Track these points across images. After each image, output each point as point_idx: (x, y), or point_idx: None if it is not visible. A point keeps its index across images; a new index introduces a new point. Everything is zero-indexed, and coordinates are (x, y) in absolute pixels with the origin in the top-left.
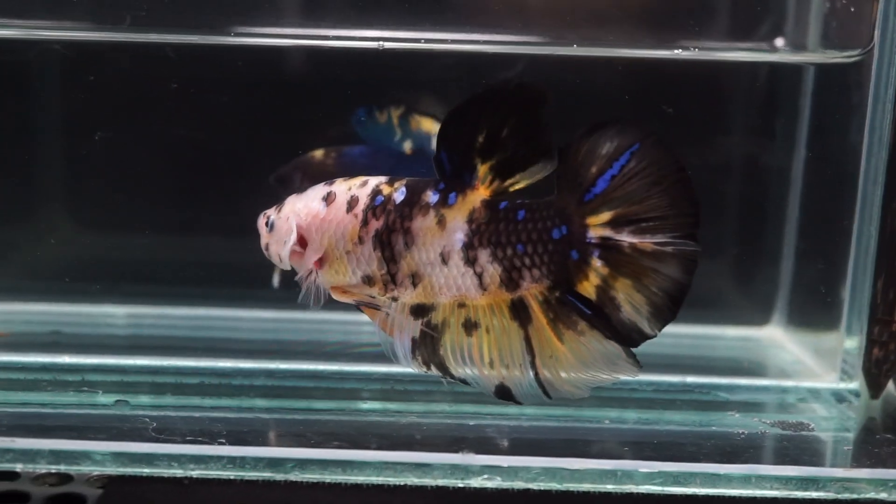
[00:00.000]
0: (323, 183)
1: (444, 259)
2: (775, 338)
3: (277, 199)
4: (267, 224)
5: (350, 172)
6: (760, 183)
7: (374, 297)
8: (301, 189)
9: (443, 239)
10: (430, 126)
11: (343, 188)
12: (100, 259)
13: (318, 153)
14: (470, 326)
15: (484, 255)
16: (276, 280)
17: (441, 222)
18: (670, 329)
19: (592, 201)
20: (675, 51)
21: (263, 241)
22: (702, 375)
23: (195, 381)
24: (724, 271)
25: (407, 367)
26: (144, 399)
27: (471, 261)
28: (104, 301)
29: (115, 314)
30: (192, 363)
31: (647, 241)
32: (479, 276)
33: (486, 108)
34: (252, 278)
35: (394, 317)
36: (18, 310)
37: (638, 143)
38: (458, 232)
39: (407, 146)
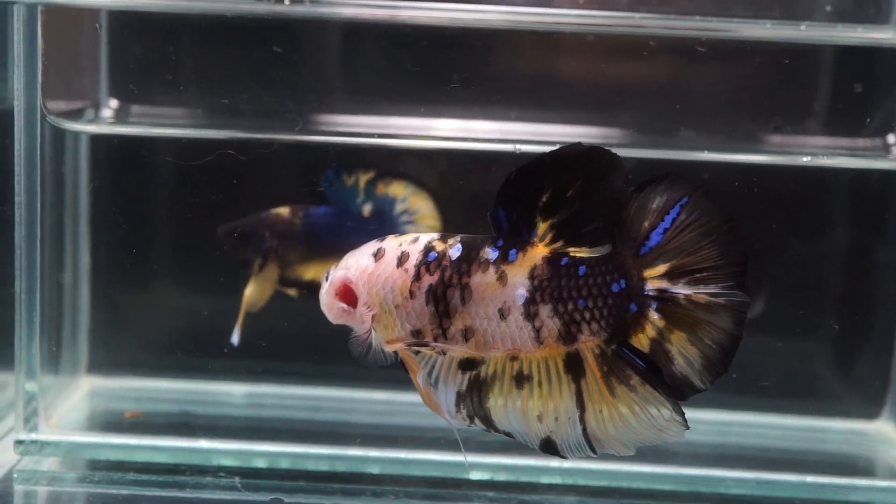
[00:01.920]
0: (375, 239)
1: (503, 315)
2: (885, 433)
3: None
4: (326, 277)
5: (316, 231)
6: (873, 276)
7: (427, 344)
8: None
9: (503, 295)
10: (400, 190)
11: (393, 244)
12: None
13: (284, 211)
14: (521, 379)
15: (545, 311)
16: (235, 338)
17: (502, 278)
18: (776, 420)
19: (648, 254)
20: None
21: (322, 293)
22: (809, 473)
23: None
24: (834, 363)
25: (449, 421)
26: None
27: (531, 316)
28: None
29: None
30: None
31: (701, 293)
32: (538, 331)
33: (554, 167)
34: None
35: (439, 371)
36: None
37: (687, 197)
38: (519, 288)
39: (366, 209)
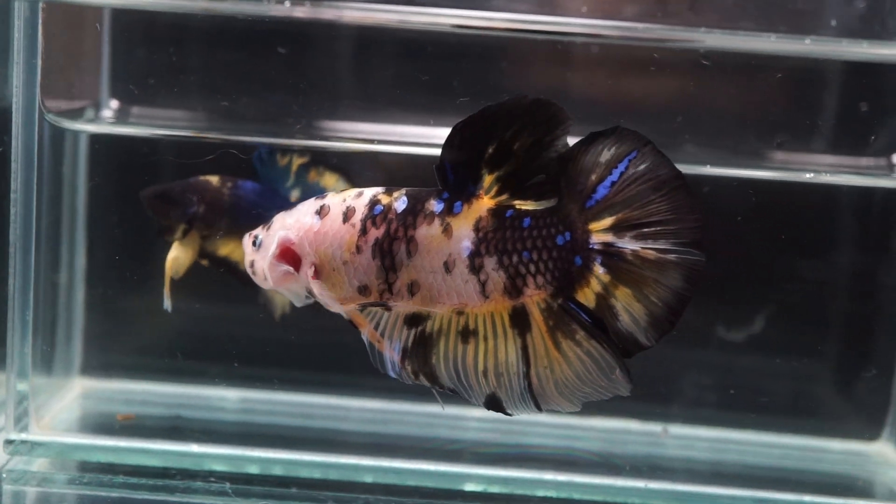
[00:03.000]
0: (314, 197)
1: (448, 267)
2: (884, 454)
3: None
4: (254, 243)
5: (241, 205)
6: (875, 296)
7: (383, 304)
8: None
9: (449, 247)
10: (331, 181)
11: (337, 200)
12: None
13: (214, 179)
14: (467, 334)
15: (490, 263)
16: (167, 304)
17: (447, 230)
18: (776, 439)
19: (594, 207)
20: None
21: (248, 258)
22: (807, 493)
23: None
24: (834, 383)
25: (394, 376)
26: None
27: (476, 268)
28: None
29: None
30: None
31: (649, 248)
32: (483, 284)
33: (499, 120)
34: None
35: (384, 326)
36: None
37: (636, 151)
38: (465, 240)
39: (294, 194)
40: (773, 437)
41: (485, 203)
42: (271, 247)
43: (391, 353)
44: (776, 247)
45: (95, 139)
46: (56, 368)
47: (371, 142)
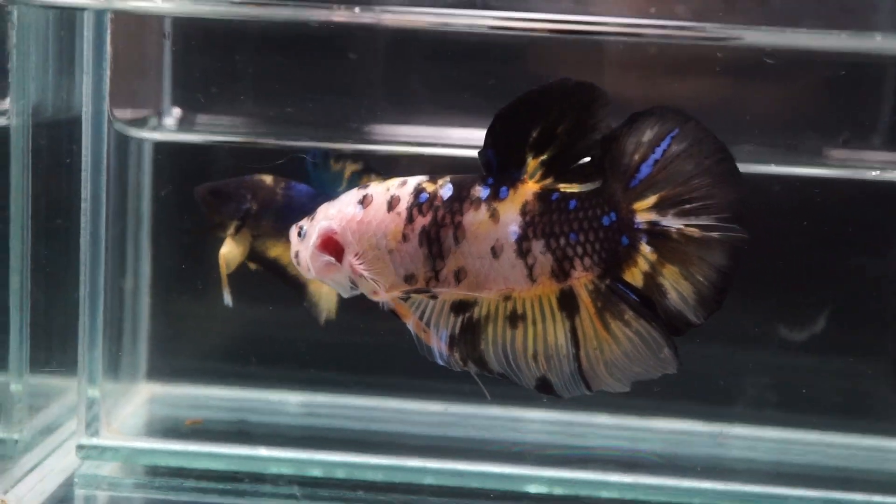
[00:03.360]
0: (356, 188)
1: (496, 253)
2: None
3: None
4: (299, 233)
5: (293, 206)
6: None
7: (426, 291)
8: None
9: (496, 232)
10: None
11: (380, 189)
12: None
13: (268, 179)
14: (515, 319)
15: (538, 247)
16: (227, 299)
17: (494, 216)
18: (840, 440)
19: (638, 186)
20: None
21: (293, 249)
22: (876, 493)
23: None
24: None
25: (441, 364)
26: None
27: (524, 253)
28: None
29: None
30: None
31: (692, 225)
32: (531, 268)
33: (541, 103)
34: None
35: (430, 314)
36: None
37: (678, 128)
38: (511, 224)
39: None
40: (837, 437)
41: (530, 187)
42: (313, 236)
43: (437, 343)
44: (835, 244)
45: (158, 147)
46: (123, 374)
47: (423, 145)
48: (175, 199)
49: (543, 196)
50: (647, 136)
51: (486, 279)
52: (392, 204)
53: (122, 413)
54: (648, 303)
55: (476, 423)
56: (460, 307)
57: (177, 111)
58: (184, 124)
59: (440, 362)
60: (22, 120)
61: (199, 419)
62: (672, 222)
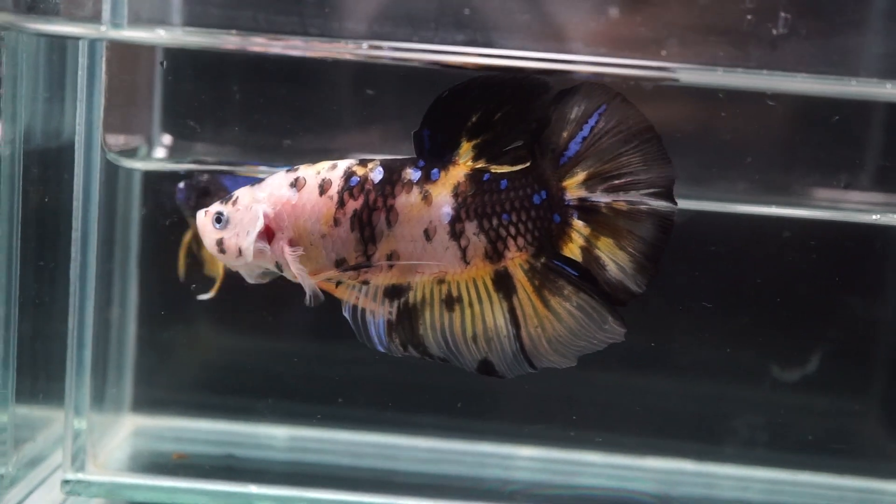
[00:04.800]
0: (283, 170)
1: (429, 235)
2: None
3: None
4: (219, 220)
5: None
6: None
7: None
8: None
9: (429, 214)
10: None
11: (311, 172)
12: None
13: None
14: (451, 302)
15: (471, 228)
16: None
17: (426, 198)
18: (832, 481)
19: (566, 164)
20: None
21: (212, 237)
22: None
23: None
24: (893, 424)
25: (381, 350)
26: None
27: (457, 234)
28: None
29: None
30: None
31: (621, 201)
32: (464, 250)
33: (484, 91)
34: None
35: (364, 301)
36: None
37: (605, 105)
38: (444, 206)
39: None
40: (828, 478)
41: (461, 168)
42: (253, 222)
43: (373, 330)
44: (827, 286)
45: (148, 175)
46: (107, 405)
47: None
48: (162, 228)
49: (475, 177)
50: (575, 113)
51: (418, 262)
52: (324, 187)
53: (107, 446)
54: (588, 276)
55: (466, 459)
56: (394, 292)
57: (167, 139)
58: (174, 152)
59: (380, 348)
60: (12, 148)
61: (185, 454)
62: (601, 198)
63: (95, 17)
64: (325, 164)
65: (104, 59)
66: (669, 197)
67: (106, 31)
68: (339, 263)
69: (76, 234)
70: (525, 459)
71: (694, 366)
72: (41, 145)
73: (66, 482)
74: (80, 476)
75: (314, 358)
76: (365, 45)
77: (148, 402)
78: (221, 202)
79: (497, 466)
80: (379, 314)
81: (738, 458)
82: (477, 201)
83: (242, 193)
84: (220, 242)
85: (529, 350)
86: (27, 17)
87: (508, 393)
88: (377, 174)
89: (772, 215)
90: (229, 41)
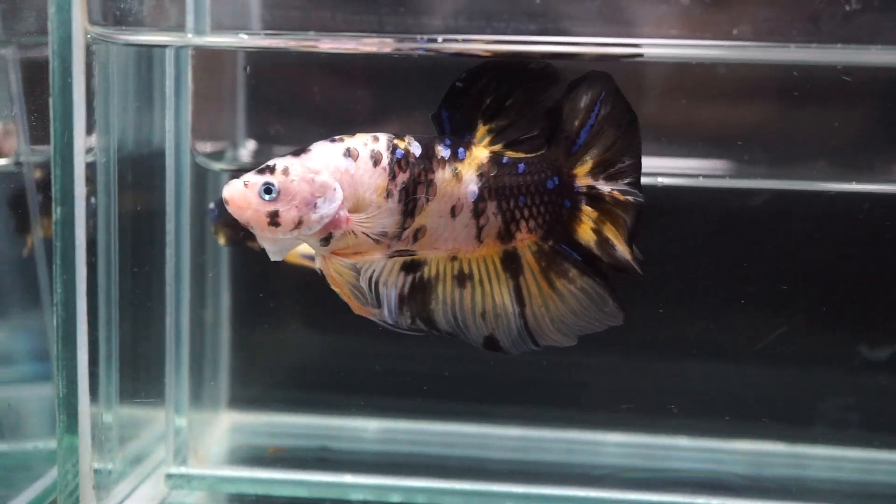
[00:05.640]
0: (322, 141)
1: (455, 212)
2: None
3: None
4: (268, 191)
5: None
6: None
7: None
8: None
9: (459, 191)
10: None
11: (358, 143)
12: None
13: None
14: (463, 279)
15: (491, 207)
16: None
17: (457, 175)
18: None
19: (578, 152)
20: None
21: (262, 209)
22: None
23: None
24: None
25: (389, 321)
26: None
27: (478, 213)
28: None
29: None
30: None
31: (616, 189)
32: (480, 229)
33: (500, 74)
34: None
35: (380, 273)
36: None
37: (603, 91)
38: (471, 184)
39: None
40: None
41: (481, 150)
42: (321, 192)
43: (385, 302)
44: None
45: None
46: (205, 403)
47: None
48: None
49: (495, 159)
50: (584, 101)
51: (438, 238)
52: (376, 159)
53: (206, 442)
54: (592, 261)
55: (555, 446)
56: (410, 267)
57: (251, 143)
58: (258, 156)
59: (389, 321)
60: (107, 157)
61: (281, 448)
62: (604, 186)
63: (180, 27)
64: (367, 136)
65: (190, 66)
66: (639, 186)
67: (191, 38)
68: (382, 235)
69: (169, 238)
70: (613, 445)
71: (782, 347)
72: (134, 152)
73: (169, 476)
74: (183, 470)
75: (403, 353)
76: (440, 38)
77: (244, 398)
78: (260, 172)
79: (586, 452)
80: (391, 287)
81: (830, 438)
82: (498, 182)
83: (289, 163)
84: (273, 215)
85: (533, 327)
86: (117, 29)
87: (595, 381)
88: (416, 148)
89: (854, 191)
90: (308, 42)
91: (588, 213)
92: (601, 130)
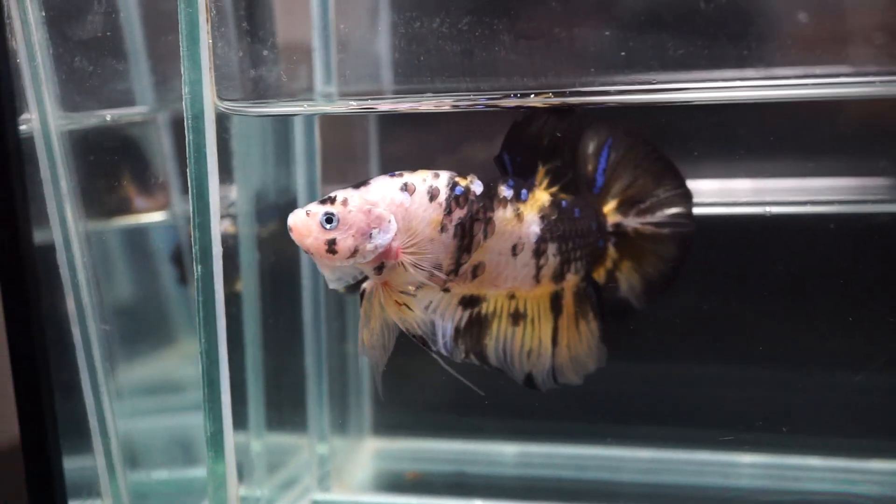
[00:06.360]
0: (383, 176)
1: (516, 251)
2: None
3: None
4: (329, 220)
5: None
6: None
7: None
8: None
9: (520, 231)
10: None
11: (417, 179)
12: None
13: None
14: (517, 317)
15: (552, 249)
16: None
17: (519, 216)
18: None
19: (599, 194)
20: None
21: (321, 237)
22: None
23: None
24: None
25: (442, 352)
26: None
27: (539, 253)
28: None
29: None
30: None
31: (647, 224)
32: (539, 269)
33: (551, 117)
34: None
35: (437, 305)
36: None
37: (610, 138)
38: (533, 225)
39: None
40: None
41: (543, 193)
42: (377, 223)
43: (440, 334)
44: None
45: None
46: (350, 431)
47: None
48: None
49: (556, 203)
50: (591, 148)
51: (498, 276)
52: (433, 194)
53: (350, 468)
54: (601, 301)
55: (687, 468)
56: (470, 302)
57: None
58: None
59: (444, 352)
60: (248, 208)
61: (418, 472)
62: (631, 222)
63: (309, 90)
64: (428, 173)
65: (317, 126)
66: (689, 215)
67: (308, 107)
68: (437, 268)
69: (306, 281)
70: (745, 466)
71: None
72: (273, 203)
73: (315, 502)
74: (327, 496)
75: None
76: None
77: (386, 425)
78: (322, 202)
79: (717, 474)
80: (447, 320)
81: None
82: (559, 225)
83: (349, 195)
84: (331, 242)
85: (558, 367)
86: (245, 103)
87: (726, 401)
88: (478, 186)
89: None
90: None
91: (611, 253)
92: (616, 172)
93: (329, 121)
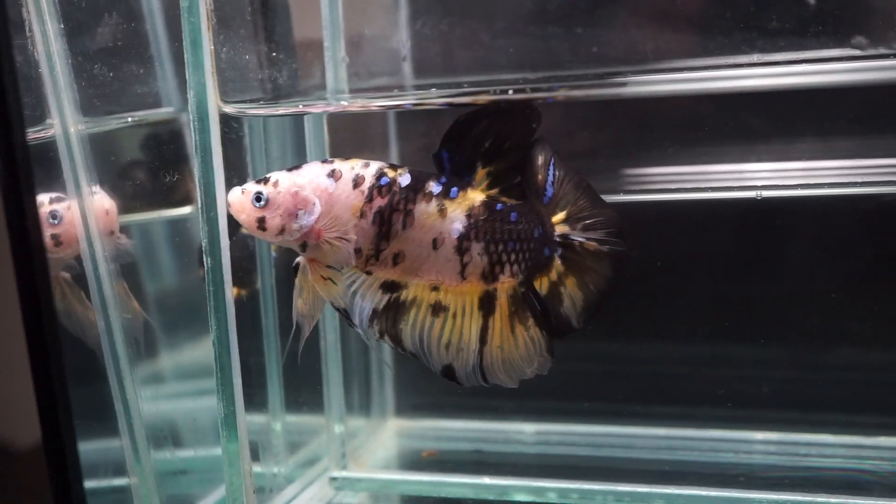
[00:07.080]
0: (317, 161)
1: (436, 245)
2: None
3: None
4: (259, 199)
5: None
6: None
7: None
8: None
9: (441, 226)
10: None
11: (346, 166)
12: None
13: None
14: (438, 309)
15: (476, 248)
16: None
17: (442, 211)
18: None
19: (549, 204)
20: None
21: (252, 214)
22: None
23: None
24: None
25: (359, 332)
26: None
27: (462, 250)
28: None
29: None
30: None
31: (591, 239)
32: (464, 266)
33: (497, 119)
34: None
35: (360, 286)
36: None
37: (552, 157)
38: (456, 223)
39: None
40: None
41: (477, 194)
42: (302, 205)
43: (358, 313)
44: None
45: None
46: (373, 411)
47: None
48: None
49: (489, 204)
50: (540, 160)
51: (420, 267)
52: (357, 182)
53: (373, 447)
54: (546, 310)
55: (701, 446)
56: (390, 287)
57: None
58: None
59: (359, 330)
60: None
61: (434, 451)
62: (578, 236)
63: (321, 87)
64: (359, 162)
65: (325, 124)
66: (622, 236)
67: (304, 108)
68: (356, 252)
69: None
70: (758, 443)
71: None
72: None
73: (332, 479)
74: (345, 473)
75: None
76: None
77: (408, 406)
78: (257, 182)
79: (731, 451)
80: (367, 301)
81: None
82: (487, 226)
83: (281, 177)
84: (261, 220)
85: (486, 366)
86: (248, 105)
87: (739, 380)
88: (405, 179)
89: None
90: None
91: (557, 264)
92: (563, 187)
93: (345, 117)
